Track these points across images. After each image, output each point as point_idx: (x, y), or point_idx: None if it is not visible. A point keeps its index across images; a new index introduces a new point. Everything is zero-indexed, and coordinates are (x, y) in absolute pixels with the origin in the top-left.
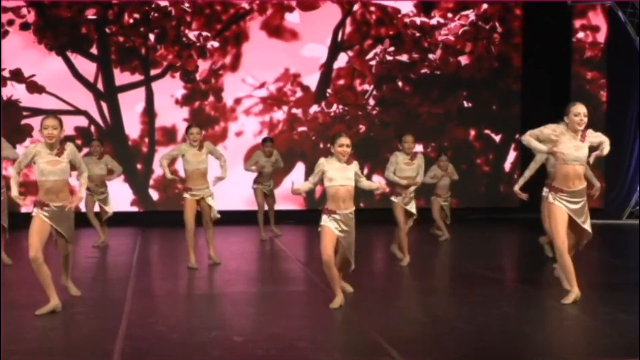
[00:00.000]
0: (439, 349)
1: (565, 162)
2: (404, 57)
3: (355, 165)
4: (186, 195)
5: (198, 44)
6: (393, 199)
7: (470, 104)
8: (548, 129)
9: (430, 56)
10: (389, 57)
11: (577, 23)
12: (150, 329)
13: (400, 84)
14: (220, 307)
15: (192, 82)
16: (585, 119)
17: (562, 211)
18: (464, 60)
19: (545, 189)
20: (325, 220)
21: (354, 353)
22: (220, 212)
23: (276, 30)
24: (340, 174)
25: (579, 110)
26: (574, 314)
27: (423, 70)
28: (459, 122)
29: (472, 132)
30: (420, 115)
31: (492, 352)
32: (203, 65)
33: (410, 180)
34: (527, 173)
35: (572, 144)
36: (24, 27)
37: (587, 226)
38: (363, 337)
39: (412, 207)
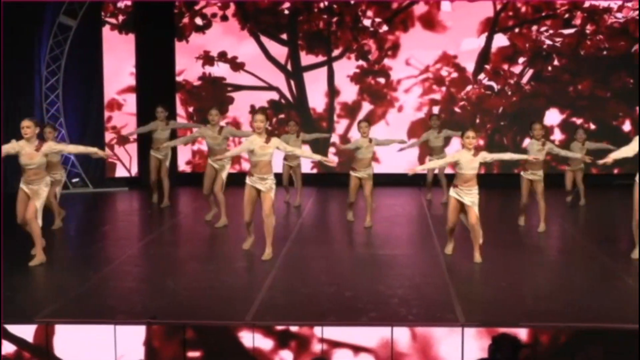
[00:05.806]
0: (499, 311)
1: None
2: (565, 36)
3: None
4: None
5: (371, 29)
6: (522, 173)
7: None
8: None
9: (598, 37)
10: (548, 37)
11: None
12: (288, 283)
13: (558, 62)
14: (351, 266)
15: (366, 62)
16: None
17: None
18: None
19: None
20: (452, 192)
21: (428, 309)
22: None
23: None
24: (469, 164)
25: None
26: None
27: (587, 51)
28: (622, 100)
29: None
30: (579, 93)
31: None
32: (374, 48)
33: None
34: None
35: None
36: (224, 18)
37: None
38: (444, 297)
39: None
